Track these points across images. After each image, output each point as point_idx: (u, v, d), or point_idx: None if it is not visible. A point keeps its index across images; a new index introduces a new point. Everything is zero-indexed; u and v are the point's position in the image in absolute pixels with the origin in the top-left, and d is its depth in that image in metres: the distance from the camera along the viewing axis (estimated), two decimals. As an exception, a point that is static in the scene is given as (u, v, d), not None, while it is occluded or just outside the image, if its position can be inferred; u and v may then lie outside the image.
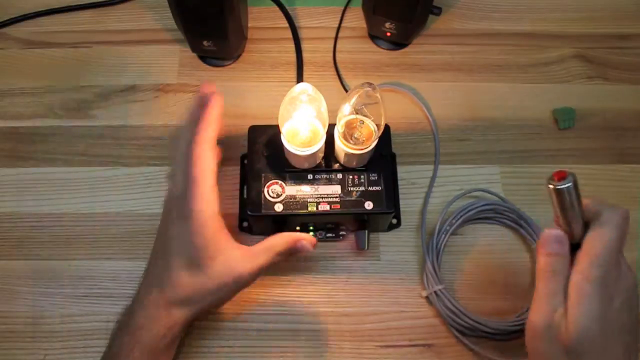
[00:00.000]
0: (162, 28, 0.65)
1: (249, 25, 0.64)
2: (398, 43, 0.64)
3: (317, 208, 0.49)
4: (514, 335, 0.50)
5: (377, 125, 0.47)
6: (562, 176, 0.37)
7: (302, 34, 0.65)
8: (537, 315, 0.39)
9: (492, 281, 0.54)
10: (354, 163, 0.50)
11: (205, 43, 0.59)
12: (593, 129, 0.60)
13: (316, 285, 0.53)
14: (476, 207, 0.54)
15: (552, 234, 0.40)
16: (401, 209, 0.56)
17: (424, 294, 0.52)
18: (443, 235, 0.54)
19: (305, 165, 0.50)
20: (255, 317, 0.52)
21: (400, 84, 0.62)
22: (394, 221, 0.55)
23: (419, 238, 0.55)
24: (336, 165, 0.50)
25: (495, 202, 0.55)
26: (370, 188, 0.50)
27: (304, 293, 0.53)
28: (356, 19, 0.66)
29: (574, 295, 0.38)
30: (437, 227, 0.54)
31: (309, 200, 0.49)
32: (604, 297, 0.37)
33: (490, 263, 0.54)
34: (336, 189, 0.49)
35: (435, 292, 0.51)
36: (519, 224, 0.55)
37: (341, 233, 0.53)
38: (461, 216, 0.54)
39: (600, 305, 0.37)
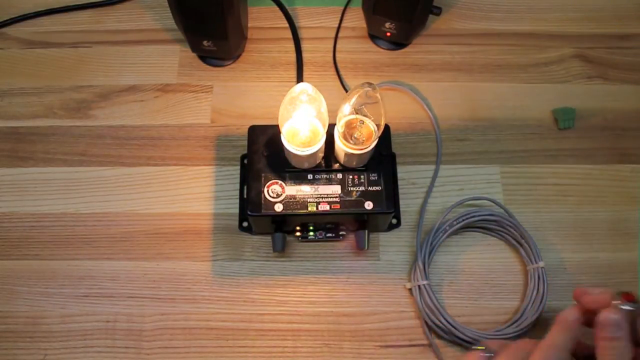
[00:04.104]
0: (162, 28, 0.65)
1: (249, 25, 0.64)
2: (398, 43, 0.64)
3: (317, 208, 0.49)
4: None
5: (377, 125, 0.47)
6: (629, 299, 0.39)
7: (302, 34, 0.65)
8: None
9: (480, 292, 0.53)
10: (354, 163, 0.50)
11: (205, 43, 0.59)
12: (593, 129, 0.60)
13: (316, 285, 0.53)
14: (480, 215, 0.54)
15: (612, 319, 0.38)
16: (401, 209, 0.56)
17: (408, 285, 0.53)
18: (441, 234, 0.54)
19: (305, 165, 0.50)
20: (255, 317, 0.52)
21: (401, 82, 0.62)
22: (394, 221, 0.55)
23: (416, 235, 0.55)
24: (336, 165, 0.50)
25: (500, 215, 0.54)
26: (370, 188, 0.50)
27: (304, 293, 0.53)
28: (356, 19, 0.66)
29: None
30: (437, 225, 0.54)
31: (309, 200, 0.49)
32: None
33: (482, 274, 0.54)
34: (336, 189, 0.49)
35: (419, 286, 0.51)
36: (520, 243, 0.54)
37: (341, 233, 0.53)
38: (463, 220, 0.54)
39: None
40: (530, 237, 0.53)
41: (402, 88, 0.61)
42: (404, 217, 0.56)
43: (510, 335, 0.50)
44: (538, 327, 0.51)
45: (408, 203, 0.56)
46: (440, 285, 0.53)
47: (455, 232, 0.54)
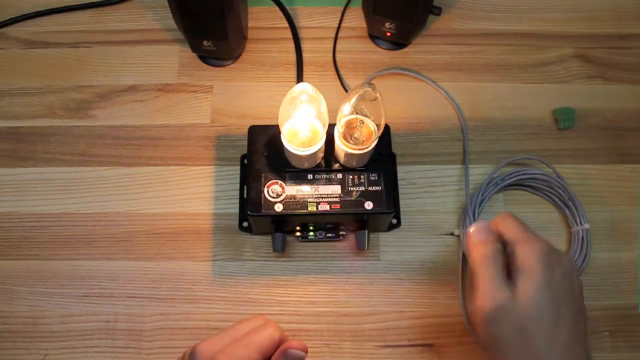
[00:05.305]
0: (162, 28, 0.65)
1: (249, 25, 0.64)
2: (398, 43, 0.64)
3: (317, 208, 0.49)
4: None
5: (377, 125, 0.47)
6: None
7: (302, 34, 0.65)
8: (485, 300, 0.40)
9: None
10: (354, 163, 0.50)
11: (205, 43, 0.59)
12: (593, 129, 0.60)
13: (316, 285, 0.53)
14: (531, 173, 0.55)
15: (480, 226, 0.44)
16: (401, 209, 0.56)
17: (457, 232, 0.54)
18: (492, 188, 0.55)
19: (305, 165, 0.50)
20: (255, 317, 0.52)
21: (407, 68, 0.62)
22: (394, 221, 0.55)
23: (418, 237, 0.55)
24: (336, 165, 0.50)
25: (549, 175, 0.55)
26: (370, 188, 0.50)
27: (304, 293, 0.53)
28: (356, 19, 0.66)
29: (521, 271, 0.40)
30: (487, 180, 0.55)
31: (309, 200, 0.49)
32: (547, 268, 0.40)
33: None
34: (336, 189, 0.49)
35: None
36: (567, 205, 0.55)
37: (341, 233, 0.53)
38: (515, 175, 0.55)
39: (546, 276, 0.40)
40: (577, 200, 0.54)
41: (408, 73, 0.61)
42: (404, 217, 0.56)
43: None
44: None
45: (408, 203, 0.56)
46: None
47: (505, 188, 0.56)
